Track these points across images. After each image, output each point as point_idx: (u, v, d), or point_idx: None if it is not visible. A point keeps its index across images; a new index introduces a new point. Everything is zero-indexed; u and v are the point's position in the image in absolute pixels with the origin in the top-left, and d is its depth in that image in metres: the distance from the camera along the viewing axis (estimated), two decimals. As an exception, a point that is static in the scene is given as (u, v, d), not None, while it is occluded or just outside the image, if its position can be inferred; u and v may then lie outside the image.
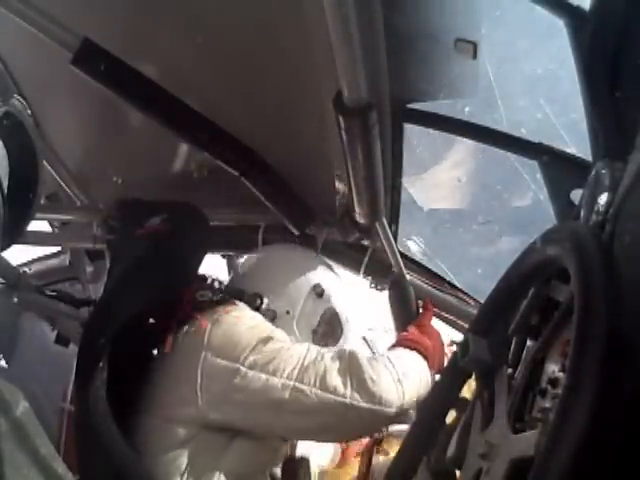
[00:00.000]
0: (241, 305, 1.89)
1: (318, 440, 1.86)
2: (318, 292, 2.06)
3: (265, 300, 1.97)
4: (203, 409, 1.65)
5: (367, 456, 2.04)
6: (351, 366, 1.65)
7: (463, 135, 1.99)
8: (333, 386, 1.61)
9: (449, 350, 1.97)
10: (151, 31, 1.80)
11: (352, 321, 2.18)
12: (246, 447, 1.70)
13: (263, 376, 1.63)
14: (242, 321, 1.77)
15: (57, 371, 2.69)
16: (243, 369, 1.64)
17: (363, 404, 1.61)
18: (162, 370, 1.75)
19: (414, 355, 1.83)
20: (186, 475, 1.63)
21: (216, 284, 1.99)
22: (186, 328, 1.76)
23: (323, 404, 1.61)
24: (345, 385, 1.62)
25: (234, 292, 1.98)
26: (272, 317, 1.95)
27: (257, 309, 1.93)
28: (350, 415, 1.61)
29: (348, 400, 1.60)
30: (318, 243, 2.40)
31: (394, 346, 1.91)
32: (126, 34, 1.83)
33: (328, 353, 1.71)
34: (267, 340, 1.71)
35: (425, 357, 1.83)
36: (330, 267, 2.24)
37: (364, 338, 2.25)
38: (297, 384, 1.62)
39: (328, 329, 2.07)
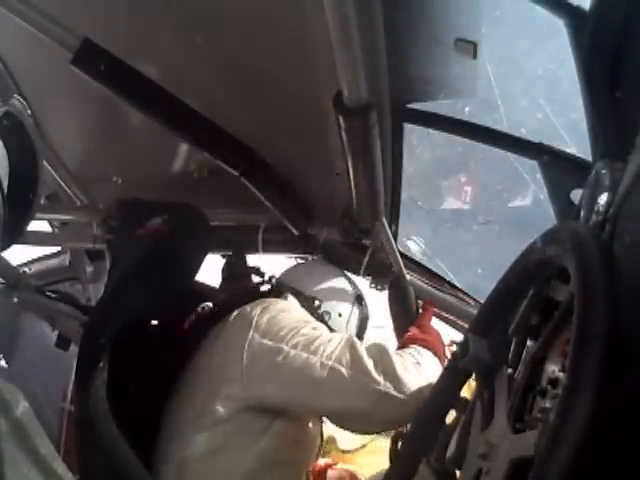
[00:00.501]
0: (291, 299, 2.04)
1: (352, 427, 1.86)
2: (360, 302, 2.25)
3: (321, 303, 2.13)
4: (247, 387, 1.71)
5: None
6: (382, 358, 1.72)
7: (463, 135, 1.99)
8: (368, 371, 1.67)
9: (449, 350, 1.98)
10: (151, 31, 1.80)
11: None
12: (283, 433, 1.76)
13: (304, 355, 1.71)
14: (290, 310, 1.90)
15: (57, 371, 2.69)
16: (286, 348, 1.72)
17: (396, 394, 1.65)
18: (207, 349, 1.84)
19: (429, 353, 1.88)
20: (221, 454, 1.69)
21: (272, 280, 2.16)
22: (235, 313, 1.87)
23: (359, 387, 1.67)
24: (379, 374, 1.67)
25: (291, 290, 2.10)
26: (326, 319, 2.11)
27: (313, 310, 2.07)
28: (384, 403, 1.66)
29: (382, 388, 1.66)
30: (318, 243, 2.41)
31: (403, 346, 1.94)
32: (126, 34, 1.82)
33: (362, 343, 1.79)
34: (310, 325, 1.83)
35: (437, 355, 1.89)
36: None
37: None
38: (335, 364, 1.69)
39: (361, 333, 2.24)
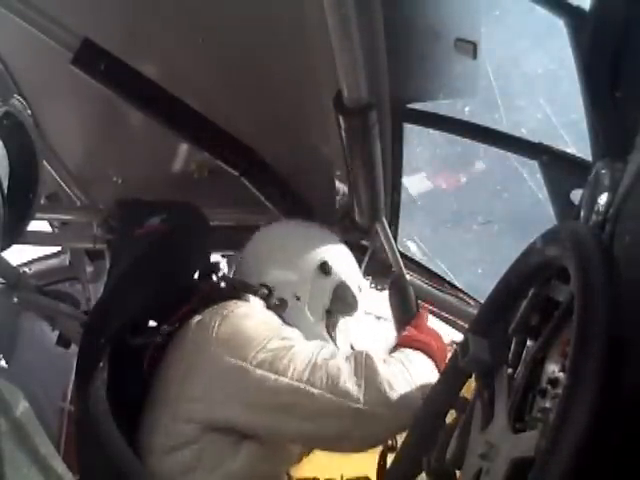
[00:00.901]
0: (252, 300, 1.80)
1: (334, 449, 1.70)
2: (325, 270, 1.92)
3: (274, 289, 1.85)
4: (209, 408, 1.58)
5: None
6: (366, 368, 1.55)
7: (463, 135, 1.99)
8: (345, 390, 1.50)
9: (449, 350, 1.96)
10: (151, 31, 1.80)
11: (364, 286, 2.07)
12: (255, 452, 1.60)
13: (272, 376, 1.53)
14: (252, 315, 1.69)
15: (57, 371, 2.69)
16: (251, 368, 1.55)
17: (378, 409, 1.50)
18: (168, 367, 1.70)
19: (421, 356, 1.75)
20: (192, 474, 1.57)
21: (224, 279, 1.90)
22: (194, 323, 1.69)
23: (334, 408, 1.51)
24: (359, 388, 1.51)
25: (240, 285, 1.86)
26: (284, 307, 1.85)
27: (266, 300, 1.84)
28: (364, 421, 1.51)
29: (362, 405, 1.49)
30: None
31: (397, 347, 1.83)
32: (126, 34, 1.83)
33: (342, 354, 1.62)
34: (277, 338, 1.62)
35: (431, 357, 1.76)
36: (332, 235, 2.07)
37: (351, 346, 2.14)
38: (306, 387, 1.52)
39: (341, 305, 1.95)
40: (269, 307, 1.83)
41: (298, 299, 1.88)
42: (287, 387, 1.52)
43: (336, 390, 1.51)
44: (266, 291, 1.84)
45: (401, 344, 1.82)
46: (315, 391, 1.51)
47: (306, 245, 1.96)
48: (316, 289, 1.91)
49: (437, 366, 1.76)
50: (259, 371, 1.54)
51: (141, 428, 1.66)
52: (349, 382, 1.52)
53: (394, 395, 1.52)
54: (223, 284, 1.86)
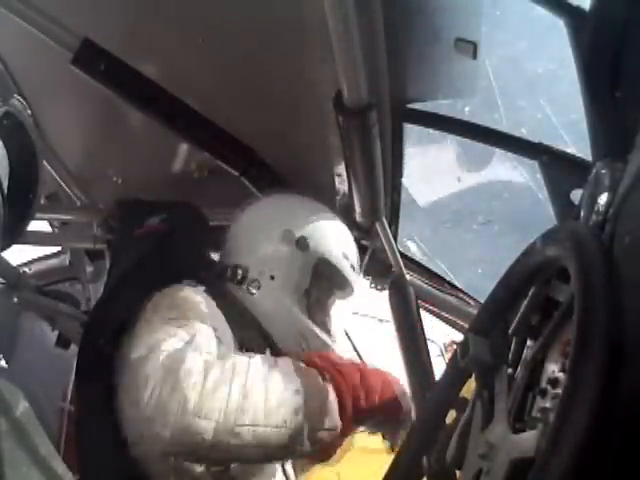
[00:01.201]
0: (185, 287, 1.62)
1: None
2: (301, 245, 1.74)
3: (248, 270, 1.72)
4: None
5: None
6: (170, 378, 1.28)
7: (463, 135, 1.99)
8: (137, 399, 1.29)
9: (450, 350, 1.95)
10: (151, 31, 1.81)
11: (352, 256, 1.84)
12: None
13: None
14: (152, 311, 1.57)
15: (57, 371, 2.69)
16: None
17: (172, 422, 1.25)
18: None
19: (289, 368, 1.41)
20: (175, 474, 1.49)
21: None
22: None
23: (132, 418, 1.34)
24: (148, 400, 1.27)
25: (218, 268, 1.79)
26: (257, 288, 1.71)
27: (241, 283, 1.72)
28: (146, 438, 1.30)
29: (147, 412, 1.27)
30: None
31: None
32: (126, 34, 1.83)
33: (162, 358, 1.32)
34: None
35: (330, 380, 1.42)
36: (316, 207, 1.89)
37: (345, 332, 2.05)
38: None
39: (326, 285, 1.79)
40: (241, 289, 1.72)
41: (272, 278, 1.73)
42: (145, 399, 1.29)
43: (133, 401, 1.32)
44: (240, 272, 1.71)
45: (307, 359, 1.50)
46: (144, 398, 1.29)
47: (281, 218, 1.80)
48: (291, 266, 1.73)
49: (344, 396, 1.42)
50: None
51: None
52: (142, 393, 1.29)
53: (168, 412, 1.26)
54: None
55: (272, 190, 2.02)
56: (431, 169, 2.45)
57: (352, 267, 1.86)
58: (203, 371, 1.29)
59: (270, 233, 1.78)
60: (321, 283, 1.80)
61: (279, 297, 1.75)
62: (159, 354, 1.32)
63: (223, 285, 1.77)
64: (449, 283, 2.37)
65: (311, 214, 1.84)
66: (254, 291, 1.71)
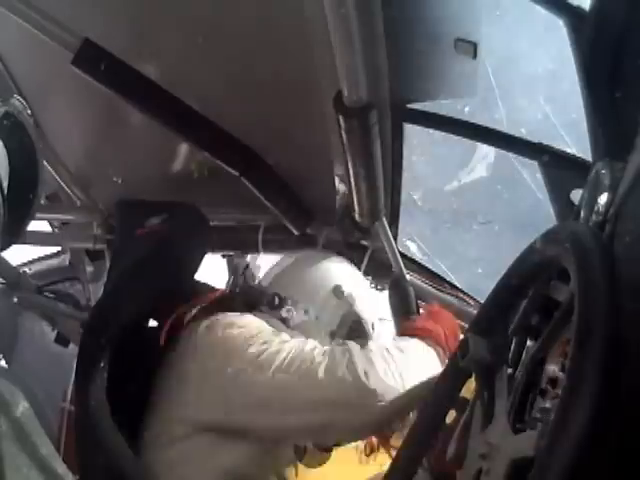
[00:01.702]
0: (247, 315, 1.82)
1: (318, 442, 1.78)
2: (338, 293, 1.99)
3: (287, 301, 1.94)
4: (198, 411, 1.64)
5: None
6: (345, 360, 1.56)
7: (463, 135, 1.99)
8: (320, 381, 1.53)
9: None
10: (151, 31, 1.81)
11: (381, 330, 2.14)
12: (244, 451, 1.64)
13: (249, 373, 1.59)
14: (234, 324, 1.73)
15: (57, 371, 2.69)
16: (230, 370, 1.61)
17: (355, 400, 1.51)
18: (162, 370, 1.76)
19: (419, 344, 1.73)
20: (180, 469, 1.62)
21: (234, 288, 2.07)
22: (188, 329, 1.77)
23: (311, 401, 1.54)
24: (335, 379, 1.53)
25: (254, 293, 1.99)
26: (291, 316, 1.93)
27: (274, 308, 1.92)
28: (342, 412, 1.53)
29: (337, 397, 1.52)
30: (318, 243, 2.40)
31: (400, 335, 1.85)
32: (126, 34, 1.83)
33: (321, 347, 1.63)
34: (259, 341, 1.65)
35: (435, 344, 1.74)
36: (357, 273, 2.20)
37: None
38: (283, 377, 1.55)
39: (350, 334, 1.96)
40: (275, 315, 1.91)
41: (306, 312, 1.95)
42: (264, 382, 1.57)
43: (311, 382, 1.54)
44: (277, 300, 1.93)
45: (401, 333, 1.86)
46: (292, 383, 1.55)
47: (327, 269, 2.09)
48: (326, 308, 1.98)
49: (444, 353, 1.74)
50: (238, 372, 1.60)
51: (142, 424, 1.72)
52: (326, 373, 1.54)
53: (372, 385, 1.52)
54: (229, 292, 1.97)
55: (286, 216, 2.30)
56: (431, 169, 2.45)
57: (372, 325, 2.07)
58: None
59: (313, 276, 2.04)
60: (344, 329, 1.99)
61: (310, 331, 1.90)
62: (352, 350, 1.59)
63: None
64: (449, 283, 2.37)
65: (352, 273, 2.15)
66: (287, 315, 1.93)
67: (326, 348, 1.63)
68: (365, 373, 1.53)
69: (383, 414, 1.56)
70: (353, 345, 1.62)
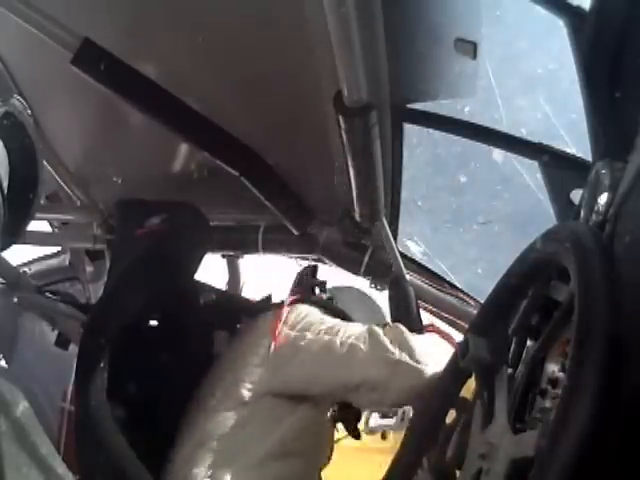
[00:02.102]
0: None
1: (370, 400, 1.88)
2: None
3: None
4: (270, 372, 1.82)
5: None
6: (397, 334, 1.82)
7: (463, 135, 1.99)
8: (384, 345, 1.76)
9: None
10: (151, 31, 1.80)
11: None
12: (303, 419, 1.83)
13: (325, 337, 1.83)
14: (316, 312, 2.00)
15: (57, 371, 2.68)
16: (309, 335, 1.85)
17: (412, 362, 1.72)
18: (229, 344, 2.02)
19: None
20: (242, 434, 1.75)
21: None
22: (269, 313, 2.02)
23: (376, 358, 1.74)
24: (394, 347, 1.76)
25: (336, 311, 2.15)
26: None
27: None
28: (400, 371, 1.72)
29: (397, 356, 1.74)
30: (318, 243, 2.40)
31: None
32: (126, 34, 1.83)
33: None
34: (334, 320, 1.94)
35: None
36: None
37: None
38: (354, 341, 1.79)
39: None
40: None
41: None
42: (338, 343, 1.80)
43: (378, 346, 1.77)
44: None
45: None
46: (361, 345, 1.78)
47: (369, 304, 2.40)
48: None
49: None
50: (316, 336, 1.84)
51: (198, 389, 1.89)
52: (387, 342, 1.78)
53: (423, 354, 1.75)
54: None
55: (286, 216, 2.38)
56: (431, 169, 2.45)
57: None
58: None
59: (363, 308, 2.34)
60: None
61: None
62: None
63: None
64: (449, 283, 2.37)
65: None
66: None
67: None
68: (418, 344, 1.79)
69: (427, 381, 1.73)
70: (401, 325, 1.90)
